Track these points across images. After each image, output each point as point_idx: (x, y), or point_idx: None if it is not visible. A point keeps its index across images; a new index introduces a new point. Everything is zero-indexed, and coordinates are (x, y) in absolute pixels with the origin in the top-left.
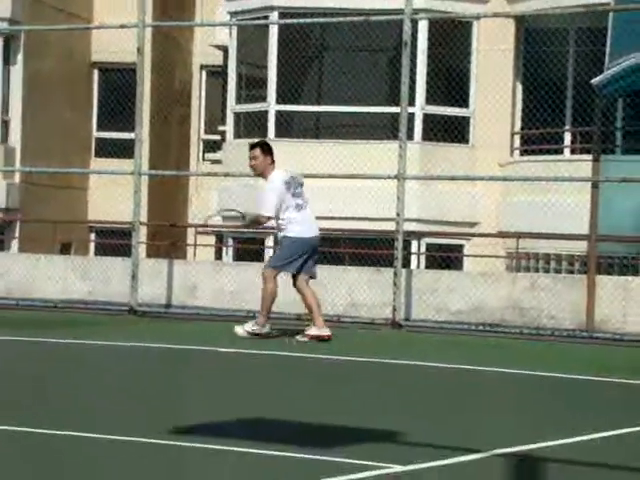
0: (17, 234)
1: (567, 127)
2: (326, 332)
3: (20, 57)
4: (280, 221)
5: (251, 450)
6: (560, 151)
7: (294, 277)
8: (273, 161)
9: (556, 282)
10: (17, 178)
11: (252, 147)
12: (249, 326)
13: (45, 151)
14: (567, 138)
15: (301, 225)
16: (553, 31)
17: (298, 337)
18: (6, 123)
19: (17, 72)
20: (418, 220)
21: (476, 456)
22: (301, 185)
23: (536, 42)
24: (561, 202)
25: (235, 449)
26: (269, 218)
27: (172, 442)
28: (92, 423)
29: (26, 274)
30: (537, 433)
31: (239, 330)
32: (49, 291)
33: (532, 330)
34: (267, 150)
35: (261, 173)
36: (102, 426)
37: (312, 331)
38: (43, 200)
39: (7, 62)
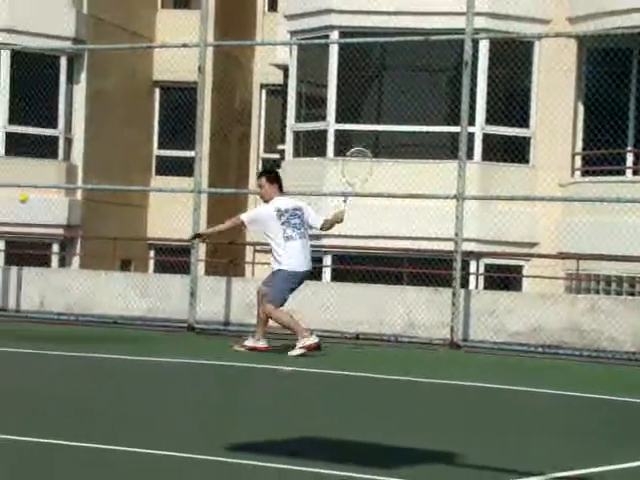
0: (78, 251)
1: (629, 148)
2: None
3: (83, 76)
4: (272, 244)
5: (299, 468)
6: (622, 172)
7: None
8: (280, 188)
9: (617, 304)
10: (79, 195)
11: (259, 176)
12: (299, 344)
13: (106, 169)
14: (629, 159)
15: (290, 257)
16: (615, 51)
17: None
18: (69, 141)
19: (80, 91)
20: (477, 240)
21: (533, 479)
22: (298, 216)
23: (598, 62)
24: (622, 223)
25: (288, 467)
26: (242, 222)
27: (227, 459)
28: (147, 439)
29: (86, 290)
30: (595, 457)
31: (292, 353)
32: (109, 307)
33: (592, 352)
34: (273, 179)
35: (267, 201)
36: (157, 442)
37: (249, 342)
38: (104, 217)
39: (71, 81)
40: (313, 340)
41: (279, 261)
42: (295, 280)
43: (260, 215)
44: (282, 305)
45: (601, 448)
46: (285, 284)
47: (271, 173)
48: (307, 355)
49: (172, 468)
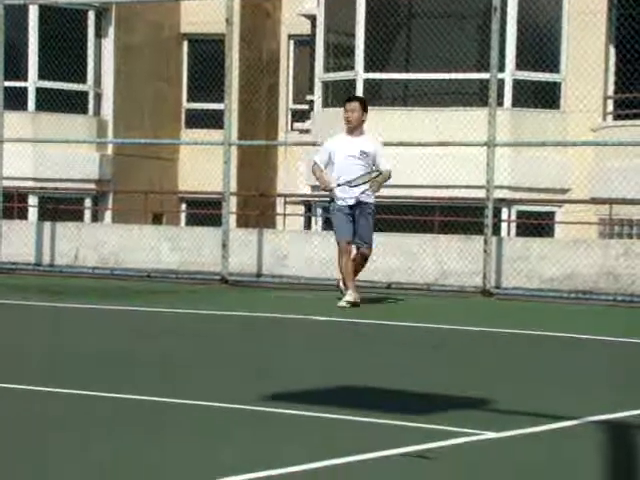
0: (110, 205)
1: None
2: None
3: (111, 30)
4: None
5: (341, 416)
6: None
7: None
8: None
9: None
10: (109, 150)
11: (353, 99)
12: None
13: (136, 123)
14: None
15: None
16: None
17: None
18: (99, 95)
19: (109, 45)
20: (508, 187)
21: (570, 423)
22: None
23: (629, 4)
24: None
25: (324, 415)
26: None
27: (260, 408)
28: (182, 390)
29: (119, 244)
30: (627, 401)
31: (343, 304)
32: (142, 261)
33: (626, 297)
34: (365, 107)
35: (354, 128)
36: (192, 392)
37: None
38: (135, 171)
39: (99, 35)
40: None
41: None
42: None
43: None
44: None
45: (635, 392)
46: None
47: (365, 102)
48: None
49: (212, 418)
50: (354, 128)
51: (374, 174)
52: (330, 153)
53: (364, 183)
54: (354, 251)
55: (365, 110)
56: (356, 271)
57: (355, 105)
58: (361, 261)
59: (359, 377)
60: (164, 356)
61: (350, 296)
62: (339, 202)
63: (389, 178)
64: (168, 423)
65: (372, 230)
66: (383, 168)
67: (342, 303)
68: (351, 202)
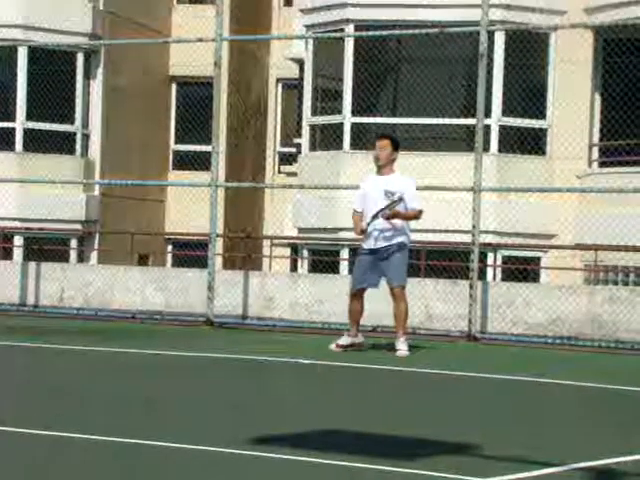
0: (96, 246)
1: None
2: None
3: (100, 72)
4: (395, 223)
5: (326, 461)
6: (639, 163)
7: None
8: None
9: (635, 295)
10: (96, 191)
11: (384, 137)
12: (403, 345)
13: (124, 164)
14: None
15: (409, 234)
16: (632, 41)
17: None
18: (86, 136)
19: (97, 86)
20: (494, 232)
21: (555, 469)
22: None
23: (615, 53)
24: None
25: (313, 460)
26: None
27: (249, 452)
28: (167, 433)
29: (105, 285)
30: (612, 447)
31: (403, 352)
32: (127, 302)
33: (610, 343)
34: (396, 146)
35: (383, 166)
36: (177, 436)
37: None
38: (121, 212)
39: (88, 77)
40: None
41: (406, 236)
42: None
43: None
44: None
45: (621, 439)
46: (406, 259)
47: (396, 141)
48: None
49: (195, 461)
50: (383, 167)
51: (395, 204)
52: (363, 196)
53: (388, 214)
54: (391, 296)
55: (396, 149)
56: (396, 317)
57: (385, 142)
58: (395, 304)
59: (345, 421)
60: (146, 397)
61: (343, 339)
62: (363, 245)
63: (414, 218)
64: (148, 466)
65: (401, 268)
66: (409, 206)
67: (331, 346)
68: (371, 246)
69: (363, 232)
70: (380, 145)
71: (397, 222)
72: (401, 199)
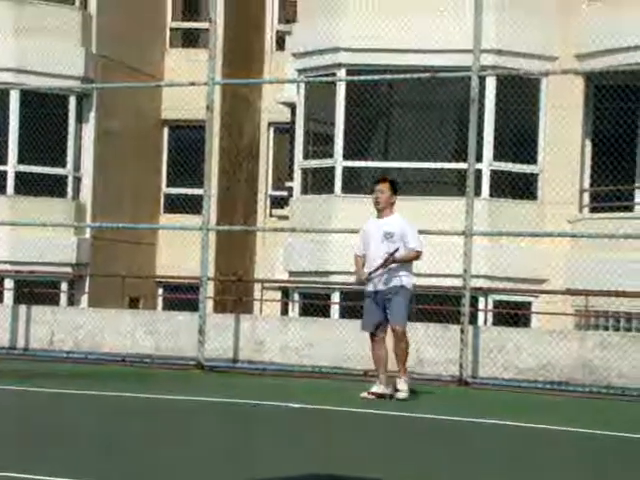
0: (87, 289)
1: (637, 184)
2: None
3: (92, 115)
4: (394, 267)
5: None
6: (630, 208)
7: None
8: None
9: (626, 340)
10: (87, 234)
11: (382, 181)
12: (403, 386)
13: (115, 207)
14: (637, 195)
15: (411, 275)
16: (623, 88)
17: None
18: (77, 179)
19: (89, 130)
20: (485, 276)
21: None
22: None
23: (606, 99)
24: (630, 259)
25: None
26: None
27: None
28: (160, 477)
29: (95, 328)
30: None
31: (402, 394)
32: (117, 345)
33: (602, 389)
34: (394, 188)
35: (382, 209)
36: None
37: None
38: (112, 255)
39: (80, 120)
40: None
41: (408, 280)
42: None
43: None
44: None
45: None
46: (408, 300)
47: (394, 183)
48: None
49: None
50: (382, 210)
51: (389, 262)
52: (363, 240)
53: (384, 267)
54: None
55: (395, 192)
56: (397, 355)
57: (384, 186)
58: (395, 344)
59: (335, 466)
60: (135, 441)
61: (375, 387)
62: (367, 288)
63: (414, 259)
64: None
65: (400, 308)
66: (409, 247)
67: (363, 393)
68: (372, 289)
69: (366, 279)
70: (379, 188)
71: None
72: (395, 252)
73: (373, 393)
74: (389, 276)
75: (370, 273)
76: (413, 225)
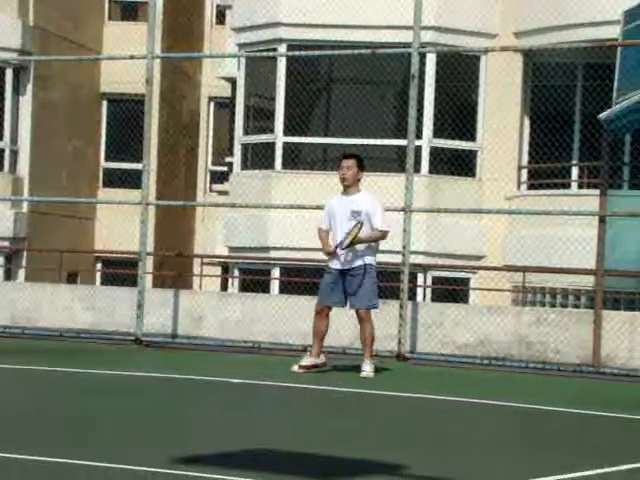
0: (24, 263)
1: (574, 161)
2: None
3: (29, 87)
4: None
5: None
6: (567, 185)
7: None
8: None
9: (562, 316)
10: (25, 208)
11: (349, 156)
12: (368, 367)
13: (53, 181)
14: (574, 172)
15: (375, 254)
16: (561, 65)
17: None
18: (15, 153)
19: (26, 102)
20: (424, 253)
21: None
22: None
23: (544, 76)
24: (568, 236)
25: (233, 479)
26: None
27: (177, 472)
28: (96, 452)
29: (32, 303)
30: (538, 468)
31: (366, 373)
32: (55, 320)
33: (538, 364)
34: (361, 165)
35: (349, 186)
36: (106, 455)
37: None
38: (50, 229)
39: (17, 92)
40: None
41: (372, 257)
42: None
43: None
44: None
45: (544, 459)
46: (375, 281)
47: (361, 160)
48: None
49: None
50: (349, 187)
51: (356, 229)
52: (329, 215)
53: (350, 245)
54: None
55: (361, 168)
56: (363, 339)
57: (351, 162)
58: (361, 326)
59: (272, 440)
60: (73, 417)
61: (305, 360)
62: (330, 264)
63: (380, 238)
64: None
65: (366, 291)
66: (374, 226)
67: (294, 367)
68: (338, 267)
69: (330, 254)
70: (345, 164)
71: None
72: (360, 225)
73: (303, 366)
74: (353, 255)
75: (336, 247)
76: (380, 203)
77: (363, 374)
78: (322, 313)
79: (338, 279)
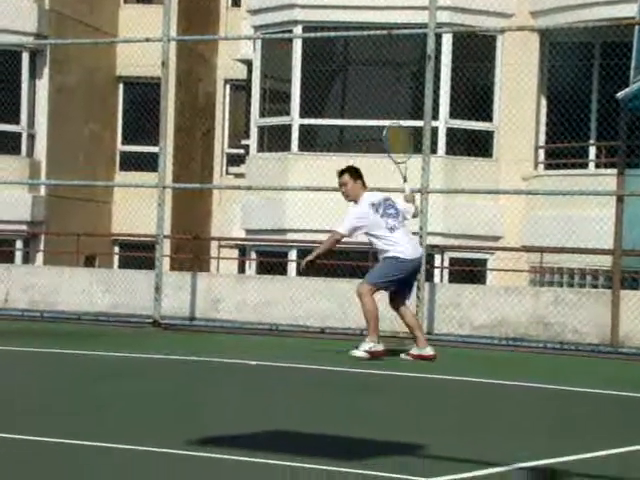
0: (42, 247)
1: (592, 141)
2: (429, 352)
3: (46, 71)
4: (375, 241)
5: (271, 461)
6: (585, 165)
7: (392, 298)
8: (364, 184)
9: (580, 297)
10: (42, 191)
11: (341, 173)
12: (364, 346)
13: (70, 164)
14: (592, 152)
15: (400, 245)
16: (578, 45)
17: (402, 355)
18: (32, 137)
19: (43, 86)
20: (441, 234)
21: (498, 469)
22: (392, 206)
23: (560, 56)
24: (585, 216)
25: (257, 460)
26: (342, 236)
27: (195, 453)
28: (113, 434)
29: (50, 286)
30: (558, 447)
31: (357, 353)
32: (73, 303)
33: (555, 344)
34: (357, 175)
35: (353, 199)
36: (123, 437)
37: (414, 351)
38: (68, 213)
39: (33, 76)
40: (381, 347)
41: (387, 250)
42: (404, 269)
43: (358, 218)
44: (377, 291)
45: (563, 439)
46: (390, 270)
47: (354, 170)
48: (366, 360)
49: (136, 462)
50: (354, 200)
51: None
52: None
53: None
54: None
55: (357, 178)
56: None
57: (345, 178)
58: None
59: (290, 422)
60: (91, 399)
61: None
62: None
63: (331, 239)
64: (91, 467)
65: (375, 272)
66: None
67: (403, 355)
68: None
69: (305, 266)
70: (341, 182)
71: (378, 243)
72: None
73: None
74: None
75: (307, 262)
76: (355, 207)
77: (351, 352)
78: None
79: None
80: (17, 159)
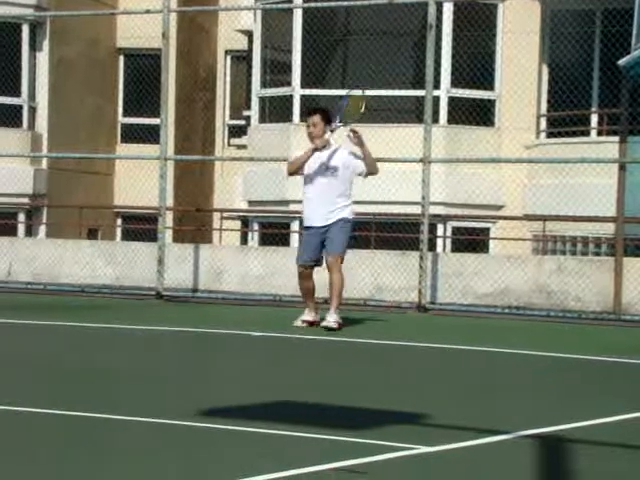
0: (44, 220)
1: (594, 109)
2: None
3: (46, 43)
4: (346, 193)
5: (274, 431)
6: (587, 133)
7: (318, 260)
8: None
9: (583, 265)
10: (44, 164)
11: (313, 112)
12: (330, 317)
13: (72, 137)
14: (594, 120)
15: (351, 204)
16: (579, 12)
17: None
18: (33, 109)
19: (43, 58)
20: (444, 203)
21: (501, 437)
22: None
23: (562, 24)
24: (587, 184)
25: (255, 430)
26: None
27: (197, 423)
28: (116, 405)
29: (53, 259)
30: (561, 415)
31: (328, 323)
32: (76, 276)
33: (558, 313)
34: (327, 118)
35: (318, 142)
36: (125, 408)
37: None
38: (70, 186)
39: (33, 48)
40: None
41: (350, 211)
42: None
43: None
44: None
45: (567, 406)
46: (348, 235)
47: (326, 113)
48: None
49: (143, 433)
50: (317, 145)
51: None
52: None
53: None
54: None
55: (328, 122)
56: (331, 287)
57: (316, 118)
58: (329, 274)
59: (295, 392)
60: (94, 371)
61: (305, 315)
62: (310, 224)
63: (373, 163)
64: (99, 438)
65: (338, 239)
66: (361, 170)
67: (297, 322)
68: (318, 224)
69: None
70: (311, 122)
71: (340, 199)
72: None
73: (306, 321)
74: (330, 211)
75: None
76: (351, 153)
77: (324, 323)
78: (306, 272)
79: (317, 236)
80: (18, 132)
